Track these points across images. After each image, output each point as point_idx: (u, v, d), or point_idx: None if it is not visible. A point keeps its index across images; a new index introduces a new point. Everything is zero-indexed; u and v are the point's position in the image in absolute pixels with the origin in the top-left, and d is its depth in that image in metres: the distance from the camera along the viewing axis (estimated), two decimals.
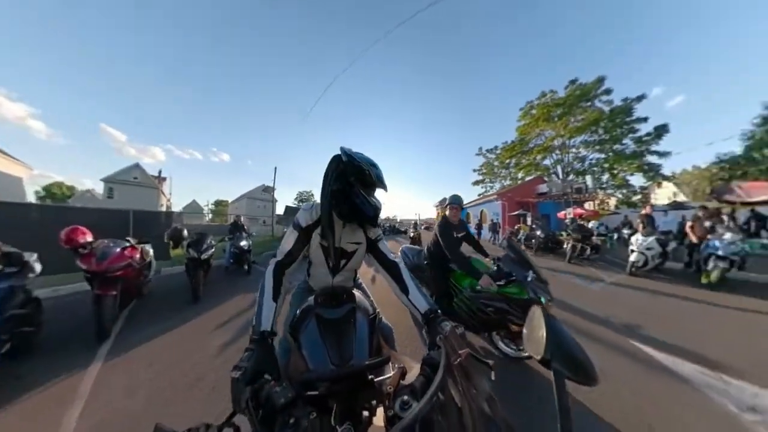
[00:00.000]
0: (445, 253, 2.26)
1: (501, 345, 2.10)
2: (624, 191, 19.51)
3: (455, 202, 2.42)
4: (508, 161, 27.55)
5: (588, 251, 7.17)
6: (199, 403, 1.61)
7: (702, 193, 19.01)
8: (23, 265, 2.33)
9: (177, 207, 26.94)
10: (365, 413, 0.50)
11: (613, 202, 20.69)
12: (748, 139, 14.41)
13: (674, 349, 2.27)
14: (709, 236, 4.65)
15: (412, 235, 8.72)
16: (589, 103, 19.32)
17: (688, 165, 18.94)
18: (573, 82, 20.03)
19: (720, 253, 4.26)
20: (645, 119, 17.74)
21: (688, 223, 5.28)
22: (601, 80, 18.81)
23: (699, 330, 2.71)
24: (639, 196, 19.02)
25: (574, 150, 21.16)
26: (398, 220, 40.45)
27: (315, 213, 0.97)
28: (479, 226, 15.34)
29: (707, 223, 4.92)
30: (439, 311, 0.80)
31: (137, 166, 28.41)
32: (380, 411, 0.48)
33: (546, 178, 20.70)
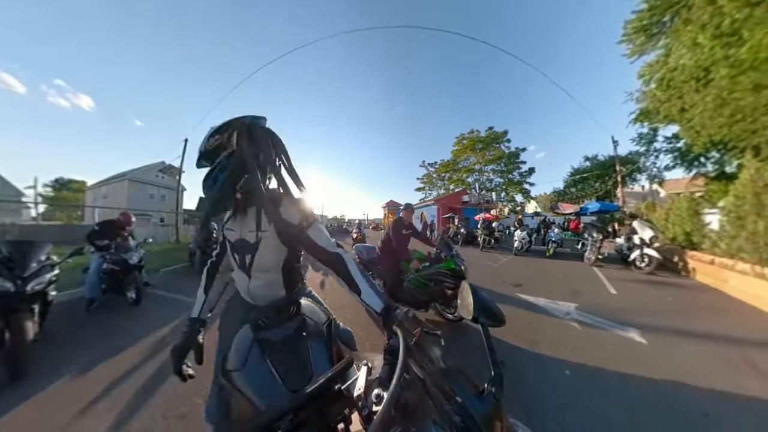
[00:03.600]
0: (394, 245, 2.53)
1: (443, 312, 2.42)
2: (512, 204, 27.46)
3: (409, 207, 2.77)
4: (443, 175, 31.60)
5: (493, 242, 8.96)
6: None
7: (546, 208, 28.72)
8: None
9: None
10: (341, 426, 0.42)
11: (506, 210, 27.33)
12: (565, 182, 24.57)
13: (535, 293, 3.47)
14: (548, 230, 8.03)
15: (355, 236, 7.43)
16: (498, 145, 25.79)
17: (542, 192, 29.14)
18: (491, 128, 26.24)
19: (554, 238, 7.13)
20: (524, 162, 26.25)
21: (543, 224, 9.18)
22: (506, 132, 25.94)
23: (546, 281, 4.32)
24: (519, 208, 27.09)
25: (487, 174, 27.07)
26: (346, 220, 34.42)
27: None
28: (425, 226, 16.53)
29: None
30: (392, 305, 0.66)
31: None
32: (355, 416, 0.41)
33: (468, 191, 25.49)
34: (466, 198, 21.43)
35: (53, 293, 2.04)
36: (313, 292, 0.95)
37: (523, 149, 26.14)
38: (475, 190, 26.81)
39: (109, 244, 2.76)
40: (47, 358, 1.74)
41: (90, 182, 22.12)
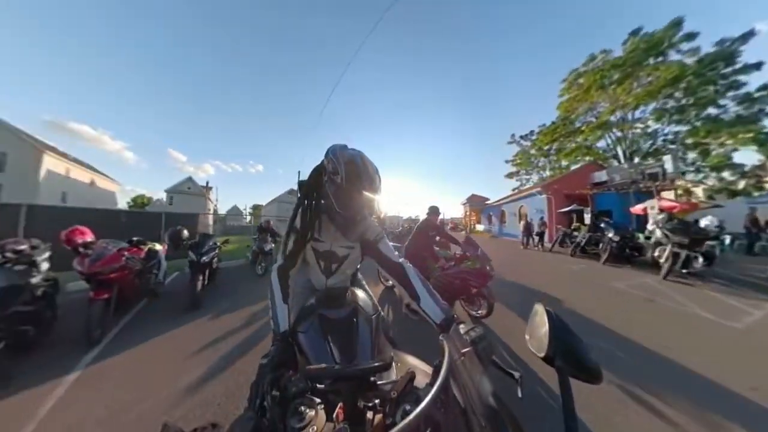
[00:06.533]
0: (420, 246, 3.20)
1: (467, 309, 3.03)
2: (724, 174, 14.47)
3: (435, 210, 3.44)
4: (548, 147, 23.74)
5: (699, 262, 4.71)
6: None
7: None
8: (31, 264, 2.45)
9: (222, 211, 32.78)
10: (369, 414, 0.50)
11: (700, 190, 15.15)
12: None
13: None
14: None
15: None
16: (661, 58, 14.70)
17: None
18: (635, 33, 15.47)
19: None
20: (757, 66, 12.53)
21: None
22: (677, 24, 13.94)
23: None
24: (748, 180, 14.00)
25: (640, 125, 16.66)
26: (421, 220, 37.75)
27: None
28: (528, 228, 11.43)
29: None
30: (455, 316, 0.76)
31: (190, 179, 33.74)
32: (382, 413, 0.49)
33: (603, 164, 16.82)
34: (600, 176, 14.20)
35: (216, 264, 4.32)
36: (365, 285, 1.28)
37: (746, 36, 12.23)
38: (617, 161, 17.66)
39: (258, 238, 5.77)
40: (210, 299, 3.72)
41: (263, 204, 45.89)
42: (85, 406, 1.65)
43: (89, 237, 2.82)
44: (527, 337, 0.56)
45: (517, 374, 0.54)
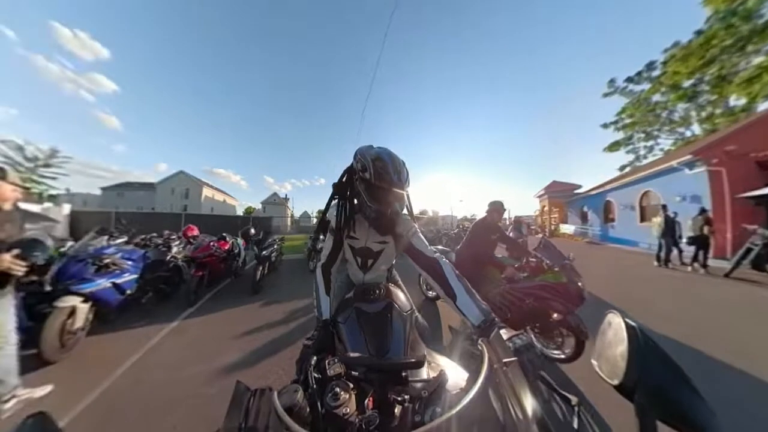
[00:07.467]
0: (476, 250, 2.52)
1: (543, 347, 2.13)
2: None
3: (499, 205, 2.67)
4: (692, 81, 14.51)
5: None
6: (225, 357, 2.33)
7: None
8: (169, 247, 4.03)
9: (296, 216, 44.73)
10: (397, 408, 0.51)
11: None
12: None
13: None
14: None
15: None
16: None
17: None
18: None
19: None
20: None
21: None
22: None
23: None
24: None
25: None
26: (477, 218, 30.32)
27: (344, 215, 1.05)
28: (671, 229, 6.03)
29: None
30: (495, 319, 0.72)
31: (275, 194, 55.60)
32: (410, 409, 0.49)
33: None
34: None
35: (275, 257, 5.32)
36: (401, 282, 1.34)
37: None
38: None
39: (315, 237, 5.63)
40: (269, 285, 4.61)
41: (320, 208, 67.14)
42: (172, 349, 2.48)
43: (196, 232, 4.45)
44: (594, 361, 0.48)
45: (574, 399, 0.50)
